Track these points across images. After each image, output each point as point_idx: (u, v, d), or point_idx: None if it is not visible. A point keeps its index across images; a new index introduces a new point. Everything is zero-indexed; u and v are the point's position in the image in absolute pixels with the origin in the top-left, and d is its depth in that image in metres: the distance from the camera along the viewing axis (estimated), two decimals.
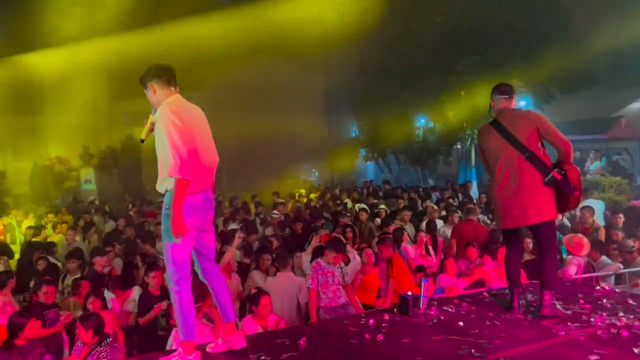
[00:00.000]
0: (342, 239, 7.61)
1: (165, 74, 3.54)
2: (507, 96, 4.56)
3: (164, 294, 5.81)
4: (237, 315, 3.95)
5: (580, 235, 7.11)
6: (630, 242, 7.15)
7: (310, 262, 6.24)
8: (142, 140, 3.56)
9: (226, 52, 20.41)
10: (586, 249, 6.70)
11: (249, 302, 4.83)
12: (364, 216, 10.00)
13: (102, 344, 4.72)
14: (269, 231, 10.24)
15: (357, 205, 12.00)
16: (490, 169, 4.52)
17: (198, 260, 3.67)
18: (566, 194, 4.29)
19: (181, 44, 19.15)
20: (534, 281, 5.25)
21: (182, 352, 3.49)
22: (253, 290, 5.80)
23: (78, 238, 9.85)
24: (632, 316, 4.24)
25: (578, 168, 4.43)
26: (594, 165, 16.72)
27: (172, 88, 3.54)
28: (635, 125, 17.78)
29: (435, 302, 4.82)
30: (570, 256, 6.68)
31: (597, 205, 9.78)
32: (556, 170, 4.26)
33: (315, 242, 7.32)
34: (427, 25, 18.42)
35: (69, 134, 23.24)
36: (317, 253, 6.48)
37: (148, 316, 5.93)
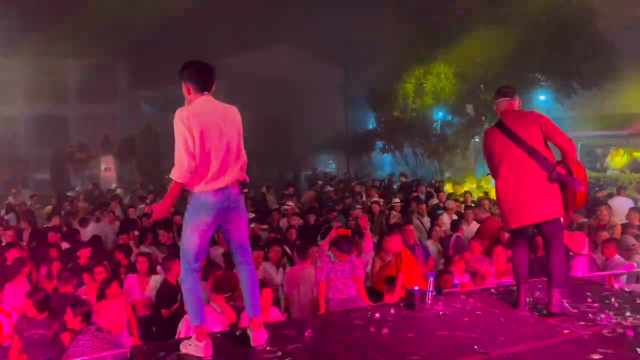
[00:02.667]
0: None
1: (201, 79, 3.67)
2: (509, 98, 4.61)
3: None
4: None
5: (580, 232, 7.09)
6: (632, 240, 7.06)
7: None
8: None
9: (244, 40, 20.51)
10: (583, 246, 6.68)
11: None
12: (376, 209, 10.01)
13: (84, 332, 4.80)
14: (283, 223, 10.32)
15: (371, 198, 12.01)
16: (496, 169, 4.51)
17: (232, 254, 3.93)
18: (572, 191, 4.28)
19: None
20: (542, 278, 5.24)
21: (195, 339, 3.61)
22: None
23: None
24: (639, 316, 4.21)
25: (583, 166, 4.41)
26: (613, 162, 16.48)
27: (205, 92, 3.67)
28: None
29: (442, 298, 4.85)
30: (573, 254, 6.64)
31: (626, 203, 9.63)
32: (560, 165, 4.28)
33: (334, 233, 7.33)
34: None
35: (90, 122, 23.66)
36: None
37: (173, 307, 6.04)
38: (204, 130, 3.52)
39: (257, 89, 24.11)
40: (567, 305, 4.44)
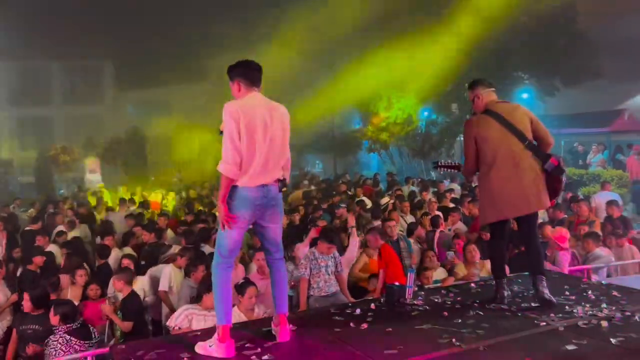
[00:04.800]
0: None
1: (252, 75, 3.75)
2: (493, 89, 4.65)
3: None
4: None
5: (559, 227, 7.20)
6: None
7: None
8: (221, 132, 3.72)
9: (230, 39, 20.45)
10: (566, 241, 6.77)
11: (236, 291, 4.93)
12: (357, 208, 10.09)
13: (56, 332, 4.88)
14: None
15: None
16: (487, 159, 4.45)
17: (264, 250, 3.99)
18: (558, 182, 4.41)
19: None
20: (518, 273, 5.33)
21: (216, 338, 3.58)
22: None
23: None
24: (614, 308, 4.28)
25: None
26: (596, 158, 16.69)
27: (255, 88, 3.74)
28: (638, 118, 17.70)
29: (423, 292, 4.89)
30: (558, 249, 6.74)
31: (610, 197, 9.78)
32: (553, 156, 4.38)
33: (312, 233, 7.38)
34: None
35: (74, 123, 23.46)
36: (314, 244, 6.57)
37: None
38: (250, 124, 3.56)
39: None
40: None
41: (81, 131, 25.45)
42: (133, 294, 6.00)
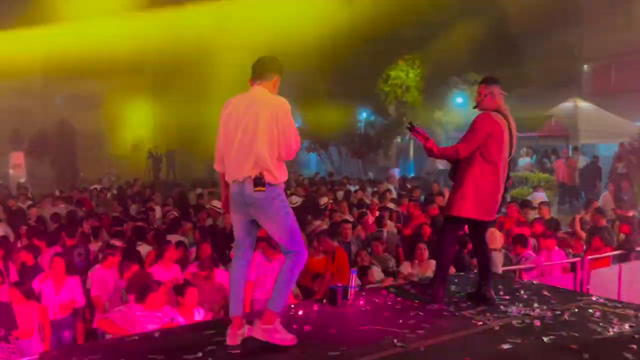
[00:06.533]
0: None
1: (252, 71, 3.74)
2: (505, 93, 4.64)
3: None
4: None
5: (492, 229, 7.49)
6: None
7: None
8: None
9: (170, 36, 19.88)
10: (499, 242, 7.06)
11: (174, 292, 4.79)
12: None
13: None
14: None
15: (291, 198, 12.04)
16: (490, 158, 4.42)
17: None
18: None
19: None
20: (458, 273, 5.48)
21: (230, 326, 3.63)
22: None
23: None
24: (545, 307, 4.48)
25: None
26: (523, 161, 17.46)
27: (255, 82, 3.70)
28: (564, 124, 18.63)
29: (364, 293, 4.94)
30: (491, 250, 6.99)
31: (542, 198, 10.25)
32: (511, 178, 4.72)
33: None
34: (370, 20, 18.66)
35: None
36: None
37: None
38: (225, 121, 3.63)
39: (180, 83, 23.46)
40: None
41: (6, 124, 24.06)
42: None
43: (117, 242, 7.50)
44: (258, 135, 3.49)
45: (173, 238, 7.50)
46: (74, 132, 22.92)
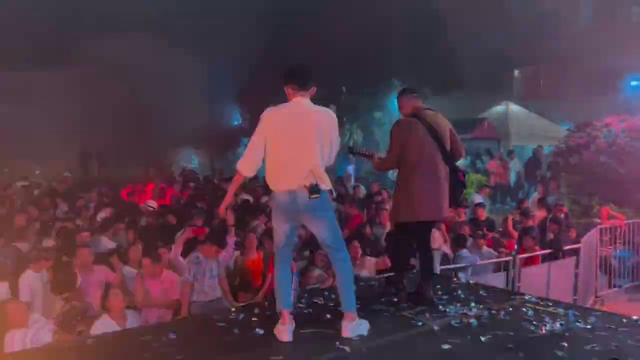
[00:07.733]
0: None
1: (296, 81, 3.85)
2: (417, 94, 4.83)
3: None
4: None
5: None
6: None
7: (182, 254, 6.09)
8: None
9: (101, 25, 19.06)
10: (438, 242, 7.25)
11: (103, 298, 4.63)
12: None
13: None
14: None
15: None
16: (410, 162, 4.53)
17: None
18: (459, 192, 4.84)
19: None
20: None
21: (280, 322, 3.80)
22: None
23: None
24: (482, 306, 4.60)
25: None
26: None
27: (300, 93, 3.83)
28: (496, 126, 19.34)
29: (306, 295, 4.91)
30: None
31: (479, 199, 10.56)
32: (461, 171, 4.79)
33: (187, 234, 7.08)
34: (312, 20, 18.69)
35: None
36: (190, 245, 6.32)
37: None
38: (273, 133, 3.73)
39: (113, 76, 22.51)
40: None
41: None
42: None
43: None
44: (313, 146, 3.75)
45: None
46: None
